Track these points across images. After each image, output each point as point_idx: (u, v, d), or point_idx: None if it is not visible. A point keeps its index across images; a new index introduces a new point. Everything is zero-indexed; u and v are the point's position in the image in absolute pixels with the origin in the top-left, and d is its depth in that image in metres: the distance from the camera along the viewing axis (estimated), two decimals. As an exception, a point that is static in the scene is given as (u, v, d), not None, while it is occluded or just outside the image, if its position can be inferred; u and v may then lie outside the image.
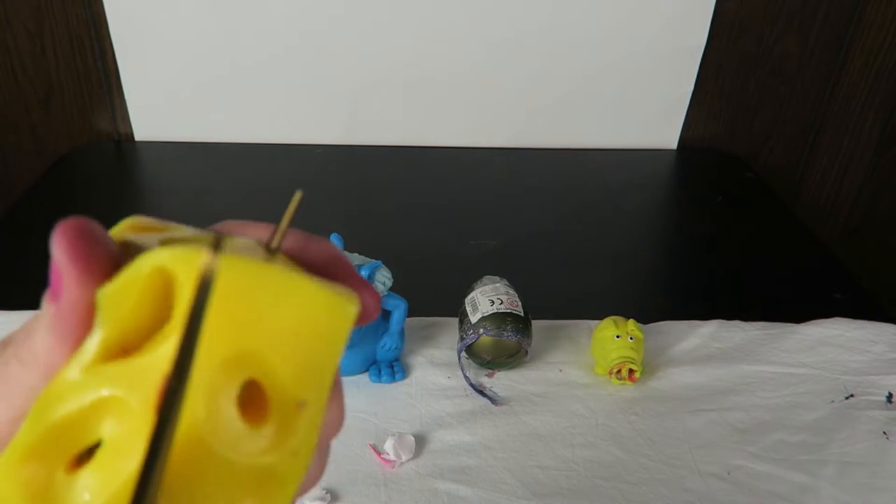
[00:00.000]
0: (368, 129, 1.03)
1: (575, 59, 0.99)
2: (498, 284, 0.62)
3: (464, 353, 0.61)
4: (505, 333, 0.58)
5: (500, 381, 0.61)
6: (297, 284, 0.17)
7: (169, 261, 0.16)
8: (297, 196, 0.19)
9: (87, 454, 0.17)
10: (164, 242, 0.18)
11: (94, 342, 0.16)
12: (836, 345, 0.65)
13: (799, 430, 0.57)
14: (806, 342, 0.65)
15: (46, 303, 0.18)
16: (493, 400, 0.58)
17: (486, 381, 0.61)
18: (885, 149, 1.09)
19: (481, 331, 0.59)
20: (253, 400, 0.17)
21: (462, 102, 1.02)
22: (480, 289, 0.62)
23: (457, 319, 0.63)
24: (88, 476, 0.16)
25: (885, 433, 0.57)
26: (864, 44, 1.01)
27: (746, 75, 1.03)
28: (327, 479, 0.51)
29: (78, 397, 0.16)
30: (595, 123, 1.04)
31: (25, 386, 0.17)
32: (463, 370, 0.60)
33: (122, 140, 1.02)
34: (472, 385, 0.59)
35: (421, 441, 0.54)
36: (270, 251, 0.19)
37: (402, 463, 0.53)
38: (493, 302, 0.60)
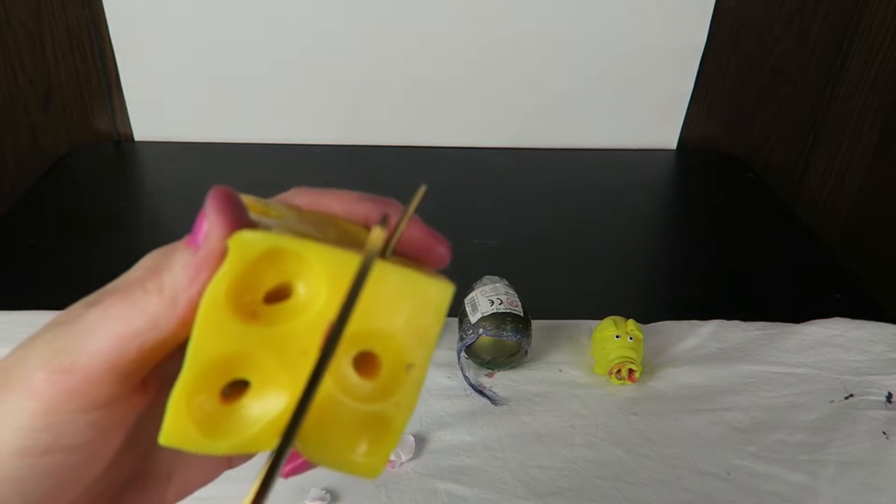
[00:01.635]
0: (368, 129, 1.03)
1: (575, 59, 0.99)
2: (498, 284, 0.62)
3: (463, 353, 0.61)
4: (505, 333, 0.58)
5: (500, 381, 0.61)
6: (414, 281, 0.22)
7: (334, 260, 0.20)
8: (422, 190, 0.24)
9: (230, 391, 0.21)
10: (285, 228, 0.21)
11: (223, 284, 0.19)
12: (835, 345, 0.65)
13: (799, 429, 0.57)
14: (806, 342, 0.65)
15: (183, 247, 0.20)
16: (492, 400, 0.58)
17: (485, 381, 0.61)
18: (885, 149, 1.09)
19: (481, 331, 0.59)
20: (371, 361, 0.22)
21: (462, 102, 1.02)
22: (480, 289, 0.62)
23: (457, 319, 0.63)
24: (247, 407, 0.21)
25: (884, 433, 0.57)
26: (864, 44, 1.01)
27: (746, 75, 1.03)
28: (327, 479, 0.51)
29: (233, 344, 0.20)
30: (595, 123, 1.04)
31: (148, 311, 0.20)
32: (463, 370, 0.60)
33: (122, 140, 1.02)
34: (471, 385, 0.59)
35: (421, 441, 0.54)
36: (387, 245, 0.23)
37: (402, 463, 0.53)
38: (492, 302, 0.60)
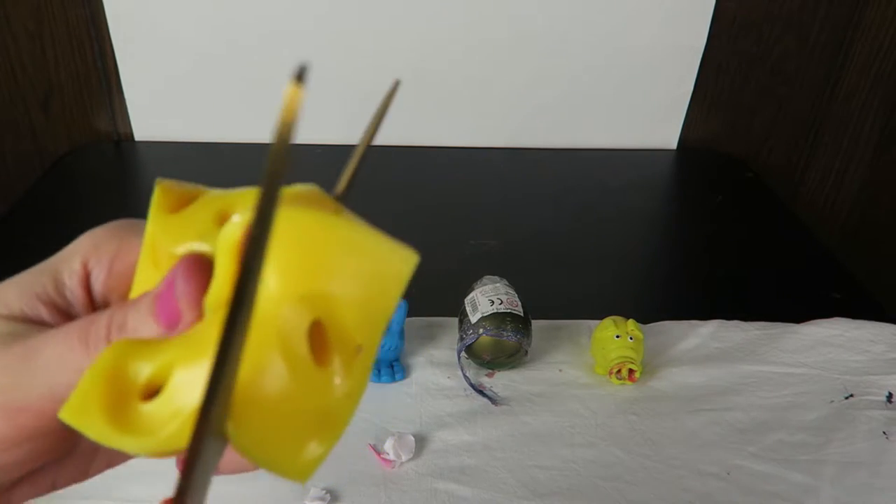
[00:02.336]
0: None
1: (575, 59, 0.99)
2: (498, 284, 0.62)
3: (464, 353, 0.61)
4: (505, 333, 0.58)
5: (500, 381, 0.61)
6: (363, 236, 0.18)
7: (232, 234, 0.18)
8: (396, 84, 0.21)
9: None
10: (218, 216, 0.20)
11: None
12: (835, 345, 0.65)
13: (799, 430, 0.57)
14: (806, 342, 0.65)
15: (153, 317, 0.20)
16: (492, 400, 0.58)
17: (485, 381, 0.61)
18: (885, 149, 1.09)
19: (481, 331, 0.58)
20: (316, 342, 0.18)
21: (462, 102, 1.02)
22: (480, 289, 0.62)
23: (457, 319, 0.63)
24: (161, 402, 0.18)
25: (884, 433, 0.57)
26: (864, 44, 1.01)
27: (746, 75, 1.03)
28: (327, 479, 0.51)
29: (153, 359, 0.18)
30: (595, 123, 1.04)
31: None
32: (463, 370, 0.60)
33: (122, 140, 1.02)
34: (471, 385, 0.59)
35: (421, 441, 0.54)
36: (337, 196, 0.20)
37: (402, 463, 0.53)
38: (492, 302, 0.60)
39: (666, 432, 0.56)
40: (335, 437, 0.19)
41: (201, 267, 0.20)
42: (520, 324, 0.59)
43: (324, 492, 0.50)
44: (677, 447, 0.55)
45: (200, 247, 0.20)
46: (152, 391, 0.18)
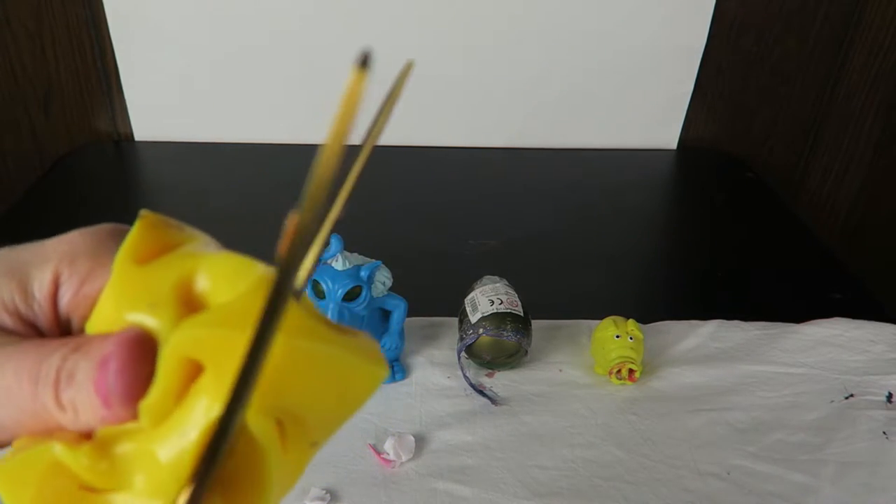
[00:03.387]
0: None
1: (574, 59, 0.99)
2: (498, 284, 0.62)
3: (463, 353, 0.61)
4: (505, 333, 0.58)
5: (500, 381, 0.61)
6: (340, 358, 0.18)
7: (202, 348, 0.17)
8: (409, 66, 0.20)
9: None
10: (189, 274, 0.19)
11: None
12: (835, 345, 0.65)
13: (799, 429, 0.57)
14: (806, 342, 0.65)
15: (93, 384, 0.19)
16: (492, 400, 0.58)
17: (485, 381, 0.61)
18: (885, 149, 1.09)
19: (481, 331, 0.58)
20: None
21: (462, 102, 1.02)
22: (480, 289, 0.62)
23: (457, 319, 0.63)
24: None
25: (885, 433, 0.57)
26: (864, 44, 1.01)
27: (746, 75, 1.03)
28: (327, 479, 0.51)
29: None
30: (595, 123, 1.04)
31: (55, 420, 0.19)
32: (463, 370, 0.60)
33: (122, 140, 1.02)
34: (472, 385, 0.59)
35: (421, 441, 0.54)
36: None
37: (402, 463, 0.53)
38: (492, 302, 0.60)
39: (666, 432, 0.56)
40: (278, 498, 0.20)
41: (141, 351, 0.19)
42: (520, 324, 0.59)
43: (324, 492, 0.50)
44: (677, 447, 0.55)
45: (148, 320, 0.19)
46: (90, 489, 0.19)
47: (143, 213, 0.20)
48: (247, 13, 0.93)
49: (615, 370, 0.59)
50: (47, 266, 0.22)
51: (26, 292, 0.21)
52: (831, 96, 1.05)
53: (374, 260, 0.57)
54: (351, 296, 0.55)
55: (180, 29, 0.94)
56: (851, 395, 0.60)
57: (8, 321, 0.21)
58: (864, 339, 0.65)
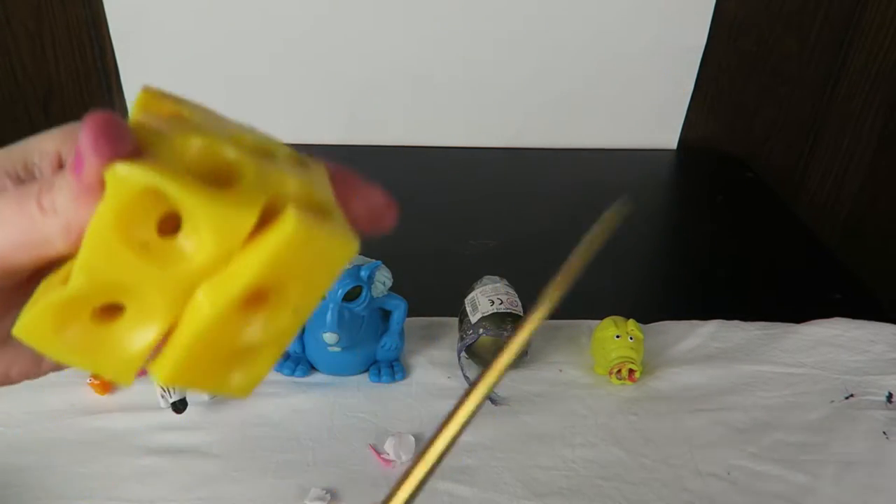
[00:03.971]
0: (368, 129, 1.02)
1: (575, 59, 0.99)
2: (498, 284, 0.62)
3: (464, 353, 0.61)
4: (505, 333, 0.58)
5: (501, 381, 0.61)
6: (324, 237, 0.20)
7: (217, 216, 0.19)
8: (620, 207, 0.24)
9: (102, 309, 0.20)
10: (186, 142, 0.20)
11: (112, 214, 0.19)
12: (835, 345, 0.65)
13: (799, 430, 0.57)
14: (806, 342, 0.65)
15: (69, 175, 0.20)
16: (493, 400, 0.58)
17: (486, 381, 0.61)
18: (885, 149, 1.09)
19: (481, 331, 0.58)
20: (260, 298, 0.21)
21: (462, 102, 1.02)
22: (480, 289, 0.62)
23: (457, 319, 0.63)
24: (115, 331, 0.20)
25: (885, 433, 0.57)
26: (864, 44, 1.01)
27: (746, 75, 1.03)
28: (327, 479, 0.51)
29: (118, 274, 0.19)
30: (595, 123, 1.04)
31: (42, 230, 0.20)
32: (463, 370, 0.60)
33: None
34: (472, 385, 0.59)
35: (421, 441, 0.54)
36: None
37: (402, 463, 0.53)
38: (493, 302, 0.60)
39: (666, 432, 0.56)
40: (267, 366, 0.22)
41: (107, 130, 0.19)
42: (520, 324, 0.59)
43: (324, 492, 0.50)
44: (677, 447, 0.55)
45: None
46: (107, 308, 0.20)
47: (146, 87, 0.21)
48: (247, 13, 0.93)
49: (615, 370, 0.59)
50: (48, 141, 0.22)
51: (27, 161, 0.22)
52: (831, 96, 1.05)
53: (374, 260, 0.57)
54: (351, 296, 0.55)
55: (180, 29, 0.94)
56: (851, 395, 0.60)
57: (10, 185, 0.22)
58: (864, 339, 0.65)
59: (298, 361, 0.60)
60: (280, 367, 0.60)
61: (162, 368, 0.20)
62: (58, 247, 0.20)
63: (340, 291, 0.54)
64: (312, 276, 0.21)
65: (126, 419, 0.55)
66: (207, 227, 0.19)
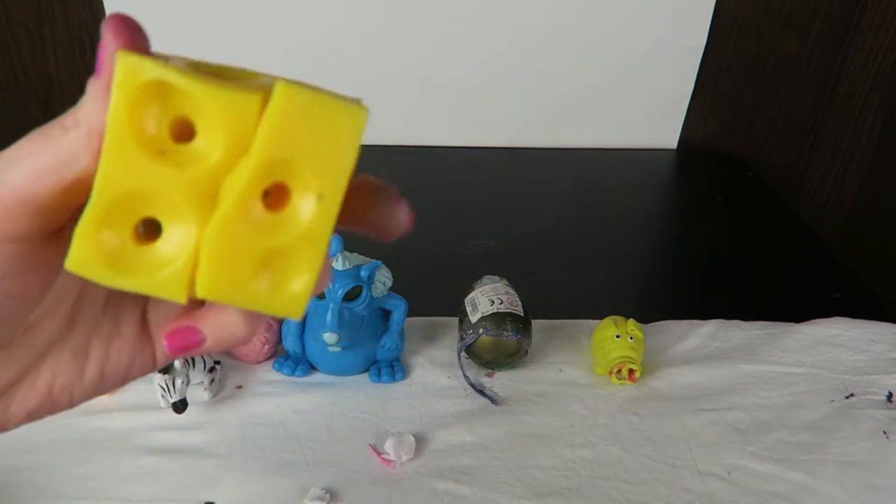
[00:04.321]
0: (368, 129, 1.02)
1: (575, 60, 0.99)
2: (498, 284, 0.62)
3: (464, 353, 0.61)
4: (505, 333, 0.58)
5: (500, 381, 0.61)
6: (325, 105, 0.20)
7: (227, 101, 0.19)
8: None
9: (145, 231, 0.21)
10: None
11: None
12: (835, 344, 0.65)
13: (799, 429, 0.57)
14: (806, 342, 0.65)
15: (91, 81, 0.20)
16: (492, 400, 0.58)
17: (485, 381, 0.61)
18: (885, 149, 1.09)
19: (481, 331, 0.58)
20: (284, 194, 0.21)
21: (462, 102, 1.02)
22: (480, 288, 0.62)
23: (457, 319, 0.63)
24: (158, 249, 0.20)
25: (885, 433, 0.57)
26: (864, 44, 1.01)
27: (746, 75, 1.03)
28: (328, 479, 0.51)
29: (140, 180, 0.20)
30: (595, 123, 1.04)
31: (65, 145, 0.20)
32: (463, 370, 0.60)
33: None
34: (472, 385, 0.59)
35: (421, 441, 0.54)
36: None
37: (402, 463, 0.53)
38: (492, 302, 0.60)
39: (666, 432, 0.56)
40: (308, 274, 0.21)
41: (127, 22, 0.21)
42: (520, 324, 0.59)
43: (324, 492, 0.50)
44: (677, 447, 0.55)
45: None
46: (148, 229, 0.21)
47: (121, 52, 0.20)
48: (247, 13, 0.93)
49: (615, 370, 0.59)
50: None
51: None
52: (831, 96, 1.05)
53: (374, 260, 0.57)
54: (351, 296, 0.55)
55: (180, 29, 0.94)
56: (851, 395, 0.60)
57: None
58: (864, 339, 0.65)
59: (298, 361, 0.60)
60: (280, 367, 0.60)
61: (201, 280, 0.20)
62: (82, 161, 0.20)
63: (340, 291, 0.54)
64: (326, 151, 0.20)
65: (126, 419, 0.55)
66: (217, 116, 0.19)
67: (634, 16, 0.96)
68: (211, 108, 0.19)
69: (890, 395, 0.60)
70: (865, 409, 0.59)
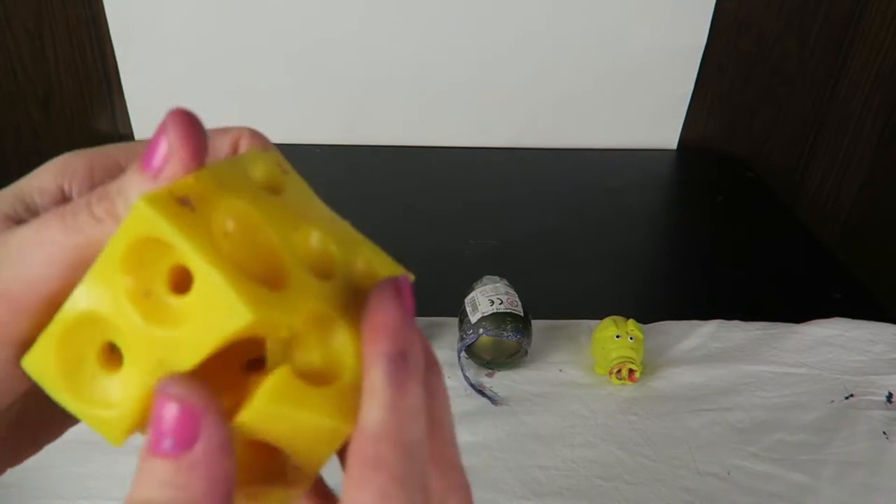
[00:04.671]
0: (368, 129, 1.03)
1: (575, 60, 0.99)
2: (498, 284, 0.62)
3: (464, 353, 0.61)
4: (505, 333, 0.58)
5: (500, 381, 0.61)
6: (311, 420, 0.18)
7: (215, 293, 0.17)
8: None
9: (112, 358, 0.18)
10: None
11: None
12: (835, 345, 0.65)
13: (799, 430, 0.57)
14: (806, 342, 0.65)
15: (139, 171, 0.18)
16: (492, 400, 0.58)
17: (485, 381, 0.61)
18: (885, 149, 1.09)
19: (481, 331, 0.58)
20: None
21: (462, 102, 1.02)
22: (480, 289, 0.62)
23: (457, 319, 0.63)
24: (112, 384, 0.18)
25: (884, 433, 0.57)
26: (864, 44, 1.01)
27: (746, 75, 1.03)
28: (327, 478, 0.51)
29: (111, 310, 0.17)
30: (595, 123, 1.04)
31: (97, 238, 0.17)
32: (463, 370, 0.60)
33: (122, 140, 1.02)
34: (472, 385, 0.59)
35: (421, 441, 0.54)
36: None
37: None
38: (492, 302, 0.60)
39: (666, 432, 0.56)
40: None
41: (196, 124, 0.18)
42: (520, 324, 0.59)
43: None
44: (677, 447, 0.55)
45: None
46: (112, 356, 0.19)
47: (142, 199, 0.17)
48: (246, 13, 0.93)
49: (615, 370, 0.59)
50: (43, 175, 0.20)
51: (27, 202, 0.20)
52: (831, 96, 1.05)
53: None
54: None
55: (180, 29, 0.94)
56: (851, 395, 0.60)
57: (20, 222, 0.19)
58: (864, 339, 0.65)
59: (298, 361, 0.60)
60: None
61: None
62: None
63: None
64: (312, 448, 0.20)
65: (126, 419, 0.55)
66: (201, 301, 0.17)
67: (634, 16, 0.96)
68: (202, 286, 0.17)
69: (890, 396, 0.60)
70: (865, 410, 0.59)
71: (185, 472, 0.15)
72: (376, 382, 0.17)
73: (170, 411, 0.15)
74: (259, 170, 0.21)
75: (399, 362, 0.17)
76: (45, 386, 0.18)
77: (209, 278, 0.16)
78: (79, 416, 0.18)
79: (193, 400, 0.15)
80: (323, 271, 0.19)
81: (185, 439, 0.15)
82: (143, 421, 0.18)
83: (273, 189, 0.20)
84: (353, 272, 0.20)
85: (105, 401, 0.18)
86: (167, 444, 0.15)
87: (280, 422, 0.18)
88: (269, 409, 0.17)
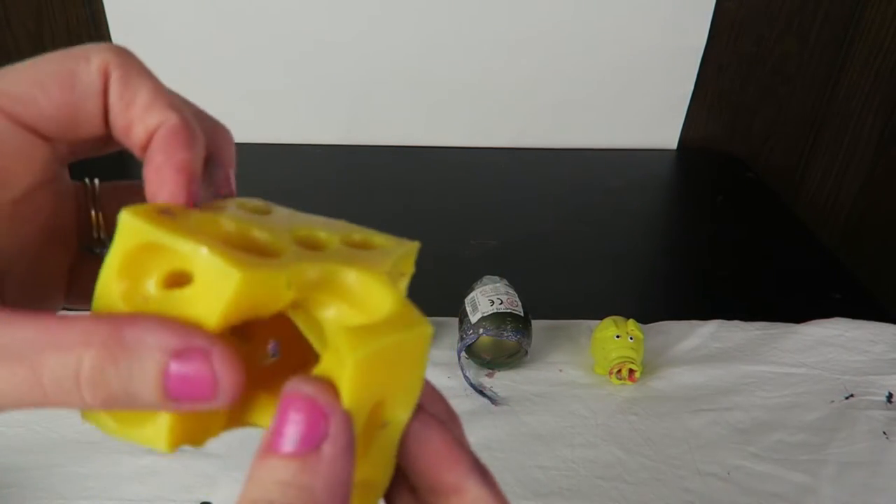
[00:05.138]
0: (369, 129, 1.03)
1: (575, 60, 0.99)
2: (498, 284, 0.62)
3: (464, 353, 0.61)
4: (505, 333, 0.58)
5: (500, 381, 0.61)
6: (397, 343, 0.19)
7: (211, 268, 0.17)
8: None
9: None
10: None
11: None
12: (835, 345, 0.65)
13: (799, 430, 0.57)
14: (806, 342, 0.65)
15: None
16: (492, 400, 0.58)
17: (485, 381, 0.61)
18: (885, 149, 1.09)
19: (481, 331, 0.59)
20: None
21: (462, 102, 1.02)
22: (480, 289, 0.62)
23: (457, 319, 0.63)
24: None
25: (885, 433, 0.57)
26: (864, 44, 1.01)
27: (746, 75, 1.03)
28: None
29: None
30: (595, 123, 1.04)
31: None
32: (463, 370, 0.60)
33: (122, 140, 1.02)
34: (471, 385, 0.59)
35: (421, 441, 0.54)
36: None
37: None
38: (492, 302, 0.60)
39: (666, 432, 0.56)
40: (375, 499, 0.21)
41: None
42: (520, 324, 0.59)
43: (324, 492, 0.50)
44: (677, 447, 0.55)
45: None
46: None
47: (124, 212, 0.19)
48: (247, 13, 0.93)
49: (615, 370, 0.59)
50: (94, 53, 0.19)
51: (70, 84, 0.19)
52: (831, 96, 1.05)
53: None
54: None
55: (180, 29, 0.94)
56: (851, 395, 0.60)
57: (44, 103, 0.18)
58: (864, 339, 0.65)
59: (298, 361, 0.60)
60: (280, 368, 0.60)
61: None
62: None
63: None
64: (401, 378, 0.21)
65: (126, 419, 0.55)
66: (213, 284, 0.17)
67: (635, 16, 0.96)
68: (197, 267, 0.18)
69: (890, 396, 0.60)
70: (865, 410, 0.59)
71: (310, 473, 0.15)
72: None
73: (299, 411, 0.15)
74: (245, 207, 0.22)
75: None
76: (94, 423, 0.19)
77: (199, 258, 0.17)
78: (128, 439, 0.19)
79: (324, 400, 0.15)
80: (313, 247, 0.20)
81: (313, 439, 0.15)
82: (180, 423, 0.18)
83: (259, 212, 0.22)
84: (348, 242, 0.22)
85: (140, 417, 0.18)
86: (290, 443, 0.15)
87: (375, 368, 0.18)
88: (361, 357, 0.17)
